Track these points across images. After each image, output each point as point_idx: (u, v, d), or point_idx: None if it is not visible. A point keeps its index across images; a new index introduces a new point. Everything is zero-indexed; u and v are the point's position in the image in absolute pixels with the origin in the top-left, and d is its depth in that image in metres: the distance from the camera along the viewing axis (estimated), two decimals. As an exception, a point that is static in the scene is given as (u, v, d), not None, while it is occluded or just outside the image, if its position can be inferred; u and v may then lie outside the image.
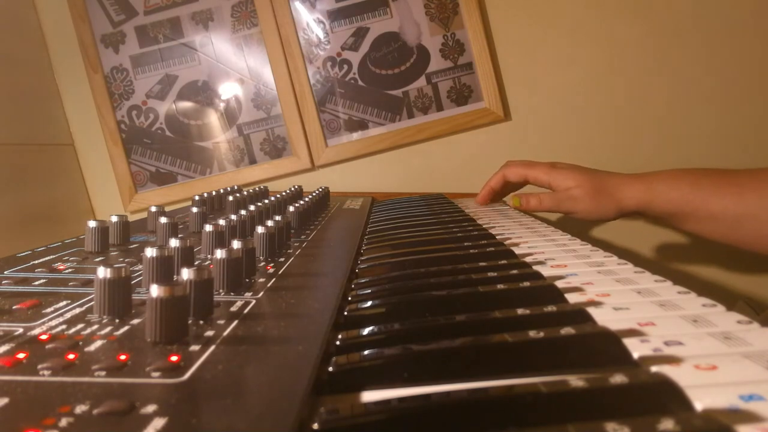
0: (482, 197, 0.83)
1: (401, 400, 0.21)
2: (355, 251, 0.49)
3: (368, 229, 0.65)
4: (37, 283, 0.37)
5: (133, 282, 0.33)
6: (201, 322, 0.29)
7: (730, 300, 0.95)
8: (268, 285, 0.37)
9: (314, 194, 0.73)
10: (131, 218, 0.56)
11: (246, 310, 0.31)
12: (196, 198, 0.72)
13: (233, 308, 0.31)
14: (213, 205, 0.74)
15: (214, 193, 0.75)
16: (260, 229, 0.44)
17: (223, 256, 0.34)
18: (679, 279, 0.34)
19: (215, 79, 1.08)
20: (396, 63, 1.06)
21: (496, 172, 0.81)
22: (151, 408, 0.19)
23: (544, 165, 0.77)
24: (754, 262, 1.00)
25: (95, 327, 0.28)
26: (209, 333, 0.27)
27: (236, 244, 0.36)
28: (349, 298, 0.36)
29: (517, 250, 0.47)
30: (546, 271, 0.39)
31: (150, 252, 0.34)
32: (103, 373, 0.22)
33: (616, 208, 0.71)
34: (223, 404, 0.20)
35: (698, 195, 0.65)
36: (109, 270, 0.29)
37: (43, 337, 0.27)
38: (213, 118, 1.09)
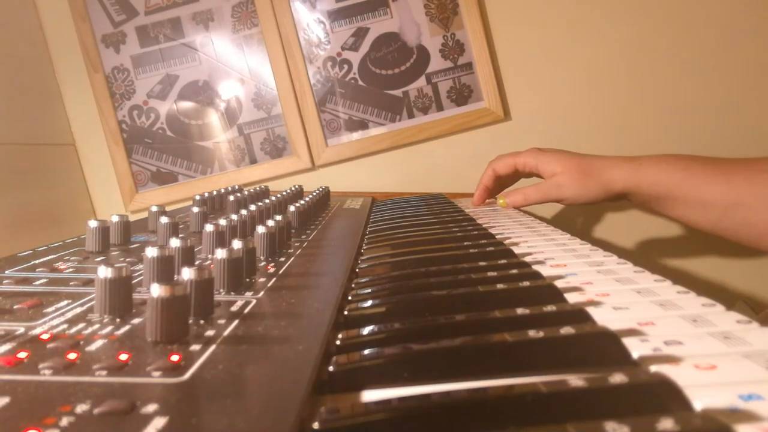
0: (478, 198, 0.82)
1: (401, 399, 0.21)
2: (355, 251, 0.49)
3: (368, 229, 0.65)
4: (38, 282, 0.37)
5: (133, 282, 0.33)
6: (201, 321, 0.29)
7: (730, 300, 0.95)
8: (269, 285, 0.37)
9: (314, 194, 0.73)
10: (132, 218, 0.56)
11: (246, 310, 0.31)
12: (197, 198, 0.72)
13: (234, 308, 0.31)
14: (214, 205, 0.74)
15: (214, 192, 0.76)
16: (261, 229, 0.44)
17: (224, 255, 0.34)
18: (678, 278, 0.34)
19: (216, 79, 1.08)
20: (396, 63, 1.06)
21: (486, 169, 0.81)
22: (151, 407, 0.19)
23: (530, 150, 0.77)
24: (753, 261, 1.00)
25: (96, 326, 0.28)
26: (210, 333, 0.27)
27: (237, 244, 0.36)
28: (350, 298, 0.36)
29: (516, 250, 0.47)
30: (545, 270, 0.39)
31: (151, 252, 0.34)
32: (104, 372, 0.22)
33: (603, 190, 0.70)
34: (223, 404, 0.20)
35: (688, 179, 0.65)
36: (109, 269, 0.29)
37: (44, 336, 0.27)
38: (213, 118, 1.09)
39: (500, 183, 0.83)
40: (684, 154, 0.68)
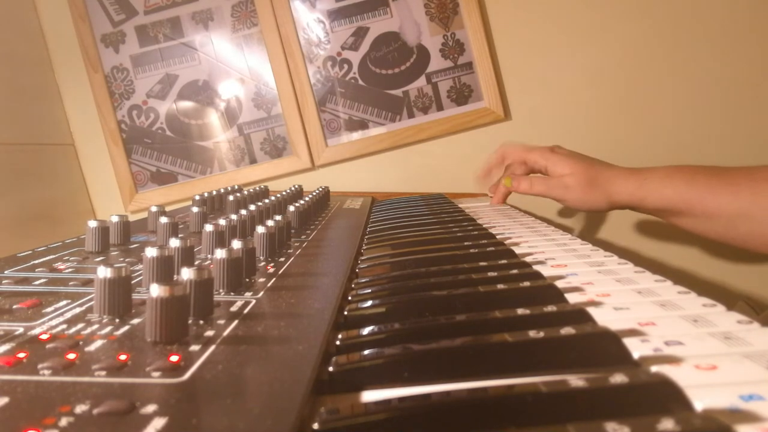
0: (483, 174, 0.85)
1: (401, 399, 0.21)
2: (355, 251, 0.49)
3: (368, 229, 0.65)
4: (37, 282, 0.37)
5: (133, 282, 0.33)
6: (201, 322, 0.29)
7: (730, 300, 0.95)
8: (268, 285, 0.37)
9: (314, 194, 0.73)
10: (132, 218, 0.56)
11: (246, 310, 0.31)
12: (197, 198, 0.72)
13: (233, 308, 0.31)
14: (213, 205, 0.74)
15: (214, 192, 0.75)
16: (260, 229, 0.44)
17: (224, 255, 0.34)
18: (679, 279, 0.34)
19: (215, 79, 1.08)
20: (396, 63, 1.06)
21: (495, 154, 0.82)
22: (151, 408, 0.19)
23: (542, 149, 0.77)
24: (754, 261, 1.00)
25: (95, 327, 0.28)
26: (209, 333, 0.27)
27: (236, 244, 0.36)
28: (349, 298, 0.36)
29: (517, 250, 0.47)
30: (546, 270, 0.39)
31: (150, 252, 0.34)
32: (104, 372, 0.22)
33: (606, 202, 0.71)
34: (223, 404, 0.20)
35: (693, 192, 0.65)
36: (109, 270, 0.29)
37: (44, 336, 0.27)
38: (213, 118, 1.09)
39: (504, 168, 0.85)
40: (688, 166, 0.68)
